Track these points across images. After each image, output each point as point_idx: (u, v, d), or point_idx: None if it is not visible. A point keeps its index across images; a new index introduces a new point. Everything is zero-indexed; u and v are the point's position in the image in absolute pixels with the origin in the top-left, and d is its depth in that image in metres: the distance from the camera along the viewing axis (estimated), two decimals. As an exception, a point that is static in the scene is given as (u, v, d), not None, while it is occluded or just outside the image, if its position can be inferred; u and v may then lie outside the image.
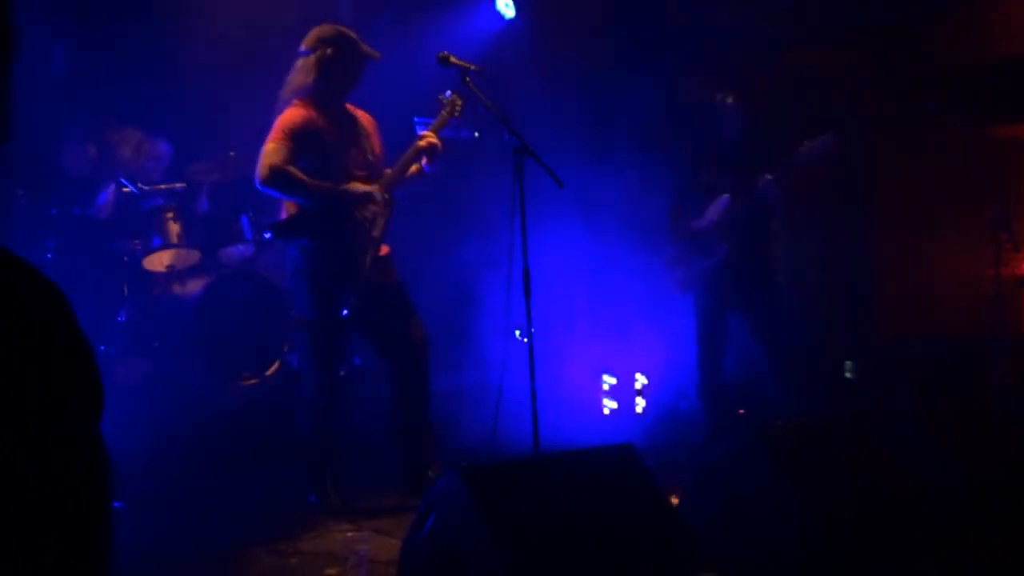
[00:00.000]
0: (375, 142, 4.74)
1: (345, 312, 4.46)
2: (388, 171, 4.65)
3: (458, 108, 4.61)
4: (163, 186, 6.73)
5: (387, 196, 4.55)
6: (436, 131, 4.57)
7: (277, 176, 4.48)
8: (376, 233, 4.53)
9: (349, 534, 4.36)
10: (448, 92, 4.66)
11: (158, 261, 6.50)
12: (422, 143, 4.56)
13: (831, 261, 7.56)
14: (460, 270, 6.64)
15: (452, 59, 4.34)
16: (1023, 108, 6.74)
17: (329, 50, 4.53)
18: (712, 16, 7.34)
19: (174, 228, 6.60)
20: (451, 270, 6.57)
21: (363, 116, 4.78)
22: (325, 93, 4.60)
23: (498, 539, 2.82)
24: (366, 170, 4.64)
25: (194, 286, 6.33)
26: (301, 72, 4.57)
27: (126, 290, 6.36)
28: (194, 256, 6.62)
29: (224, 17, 6.91)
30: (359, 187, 4.56)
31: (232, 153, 6.93)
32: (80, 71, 6.84)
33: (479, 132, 7.00)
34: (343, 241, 4.54)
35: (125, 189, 6.59)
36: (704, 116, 5.59)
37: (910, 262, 7.24)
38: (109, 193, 6.55)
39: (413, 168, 4.63)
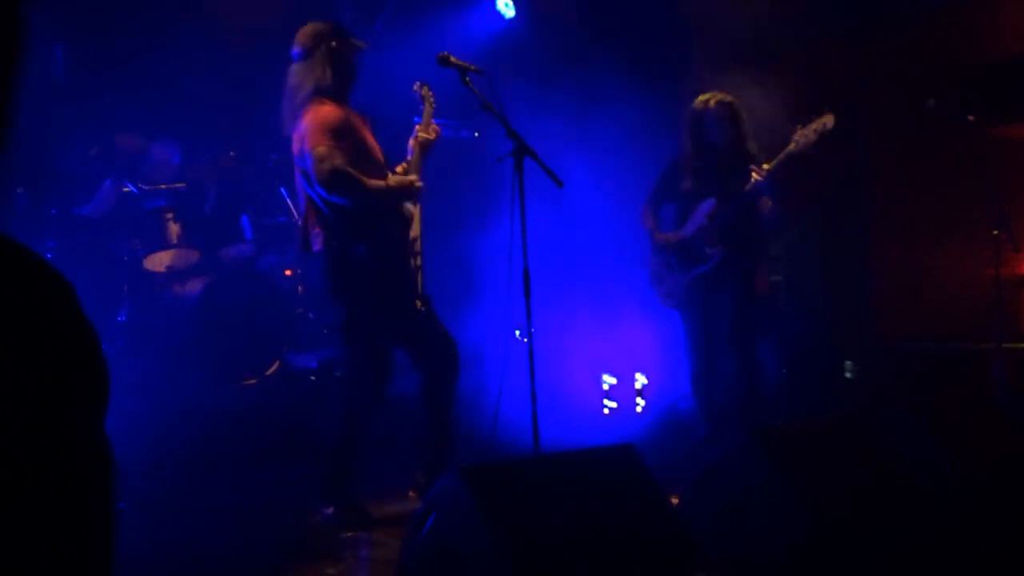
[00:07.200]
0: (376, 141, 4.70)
1: (417, 306, 4.37)
2: (399, 168, 4.56)
3: (430, 95, 4.58)
4: (164, 186, 6.74)
5: (421, 185, 4.47)
6: (427, 125, 4.55)
7: (342, 179, 4.20)
8: (415, 233, 4.49)
9: (349, 534, 4.36)
10: (417, 84, 4.63)
11: (158, 261, 6.51)
12: (423, 135, 4.51)
13: (831, 261, 7.57)
14: (459, 270, 6.64)
15: (452, 59, 4.32)
16: (1023, 108, 6.74)
17: (334, 43, 4.39)
18: (712, 17, 7.35)
19: (174, 228, 6.62)
20: (450, 270, 6.57)
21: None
22: (340, 89, 4.41)
23: (498, 539, 2.82)
24: (388, 168, 4.54)
25: (194, 286, 6.34)
26: (310, 73, 4.35)
27: (126, 290, 6.37)
28: (194, 256, 6.62)
29: (225, 18, 6.92)
30: (400, 178, 4.42)
31: (232, 153, 6.95)
32: (80, 72, 6.85)
33: (478, 132, 7.02)
34: (397, 241, 4.43)
35: (125, 189, 6.60)
36: (687, 121, 5.48)
37: (910, 262, 7.24)
38: (109, 193, 6.56)
39: (420, 161, 4.55)
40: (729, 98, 5.39)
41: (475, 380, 5.60)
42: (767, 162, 5.16)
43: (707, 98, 5.38)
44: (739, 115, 5.38)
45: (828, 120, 5.10)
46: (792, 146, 5.13)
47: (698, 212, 5.40)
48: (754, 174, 5.16)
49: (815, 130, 5.10)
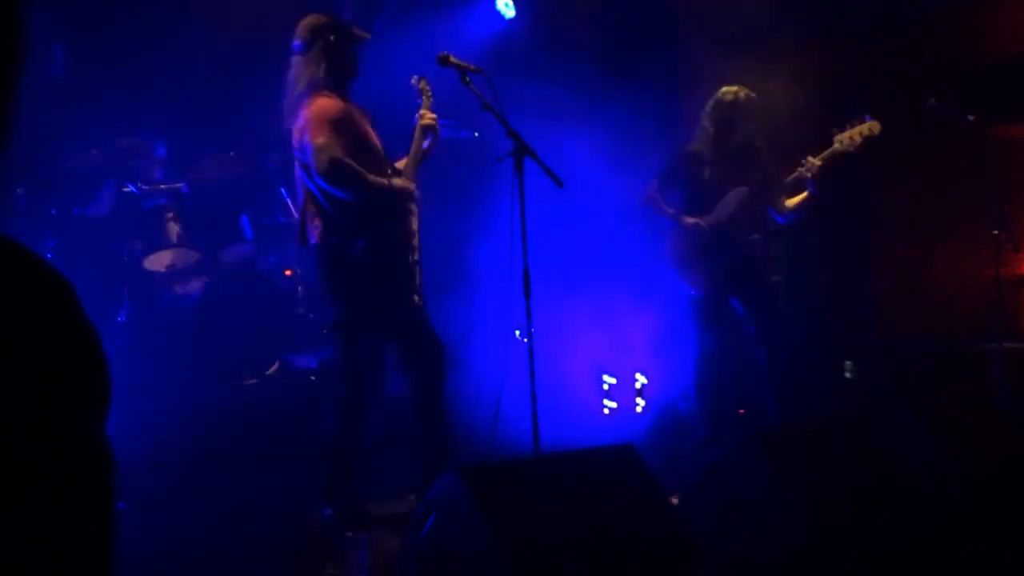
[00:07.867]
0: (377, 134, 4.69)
1: (416, 300, 4.39)
2: (400, 163, 4.58)
3: (428, 89, 4.59)
4: (163, 186, 6.74)
5: (416, 191, 4.49)
6: (427, 109, 4.56)
7: (341, 169, 4.19)
8: (414, 227, 4.49)
9: (349, 534, 4.36)
10: (414, 77, 4.63)
11: (158, 261, 6.51)
12: (424, 121, 4.53)
13: (831, 261, 7.56)
14: (459, 270, 6.64)
15: (452, 59, 4.32)
16: (1023, 108, 6.74)
17: (332, 36, 4.37)
18: (714, 16, 7.35)
19: (174, 228, 6.62)
20: (450, 270, 6.56)
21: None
22: (339, 83, 4.40)
23: (498, 539, 2.82)
24: (389, 162, 4.54)
25: (194, 286, 6.34)
26: (308, 66, 4.34)
27: (126, 290, 6.36)
28: (194, 256, 6.62)
29: (225, 17, 6.91)
30: (400, 182, 4.42)
31: (232, 153, 6.95)
32: (80, 71, 6.85)
33: (478, 132, 7.02)
34: (398, 238, 4.42)
35: (125, 189, 6.60)
36: (715, 110, 5.52)
37: (910, 262, 7.24)
38: (109, 193, 6.56)
39: (423, 150, 4.56)
40: (754, 93, 5.51)
41: (475, 380, 5.60)
42: (814, 156, 5.33)
43: (736, 90, 5.49)
44: (763, 109, 5.54)
45: (875, 127, 5.32)
46: (837, 145, 5.32)
47: (729, 199, 5.44)
48: (800, 169, 5.32)
49: (861, 134, 5.31)
